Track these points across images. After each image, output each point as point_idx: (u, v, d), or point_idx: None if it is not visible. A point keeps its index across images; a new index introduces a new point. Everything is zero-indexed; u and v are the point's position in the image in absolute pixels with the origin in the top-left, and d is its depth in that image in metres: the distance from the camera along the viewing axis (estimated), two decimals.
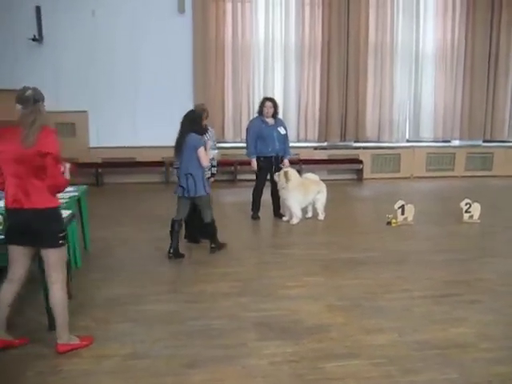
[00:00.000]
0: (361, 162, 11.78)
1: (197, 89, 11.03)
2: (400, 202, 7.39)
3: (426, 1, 11.93)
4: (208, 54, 11.09)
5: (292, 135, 10.76)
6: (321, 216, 7.64)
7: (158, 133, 10.41)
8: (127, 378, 3.29)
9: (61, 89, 10.39)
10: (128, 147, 10.89)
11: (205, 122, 6.20)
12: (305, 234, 6.95)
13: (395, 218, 7.32)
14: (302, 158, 11.17)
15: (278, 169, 7.41)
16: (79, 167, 10.01)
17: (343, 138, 11.97)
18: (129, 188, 10.53)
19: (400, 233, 6.97)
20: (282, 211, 7.70)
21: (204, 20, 10.97)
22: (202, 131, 5.91)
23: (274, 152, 7.45)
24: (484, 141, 12.61)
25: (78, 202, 5.71)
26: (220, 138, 10.77)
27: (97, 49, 10.65)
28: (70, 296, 4.01)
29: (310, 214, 7.74)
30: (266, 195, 7.71)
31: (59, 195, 4.62)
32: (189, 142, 5.59)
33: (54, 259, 3.46)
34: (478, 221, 7.47)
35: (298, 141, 11.71)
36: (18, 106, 3.35)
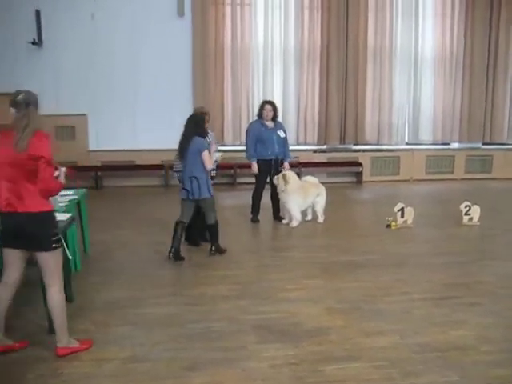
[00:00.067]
0: (360, 164, 11.79)
1: (196, 92, 11.05)
2: (399, 205, 7.40)
3: (424, 4, 11.98)
4: (207, 57, 11.12)
5: (291, 138, 10.77)
6: (320, 219, 7.65)
7: (157, 136, 10.45)
8: (127, 381, 3.29)
9: (60, 92, 10.43)
10: (127, 150, 10.90)
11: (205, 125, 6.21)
12: (304, 237, 6.96)
13: (395, 220, 7.33)
14: (301, 160, 11.18)
15: (278, 172, 7.41)
16: (78, 170, 10.05)
17: (343, 140, 11.98)
18: (128, 191, 10.53)
19: (399, 235, 6.98)
20: (281, 214, 7.70)
21: (203, 23, 10.99)
22: (205, 134, 5.93)
23: (273, 155, 7.46)
24: (483, 143, 12.63)
25: (77, 205, 5.71)
26: (219, 141, 10.77)
27: (96, 52, 10.66)
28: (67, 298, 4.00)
29: (309, 217, 7.75)
30: (266, 198, 7.71)
31: (59, 198, 4.62)
32: (193, 146, 5.61)
33: (49, 263, 3.46)
34: (478, 223, 7.48)
35: (298, 144, 11.73)
36: (12, 110, 3.36)
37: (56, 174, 3.52)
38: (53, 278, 3.49)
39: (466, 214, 7.53)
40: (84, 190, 6.04)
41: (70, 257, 4.19)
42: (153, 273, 5.37)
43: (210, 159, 5.66)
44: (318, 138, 11.90)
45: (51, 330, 3.68)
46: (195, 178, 5.64)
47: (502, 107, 12.49)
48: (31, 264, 3.60)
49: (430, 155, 12.26)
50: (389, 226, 7.29)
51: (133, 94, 10.87)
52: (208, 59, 11.13)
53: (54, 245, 3.44)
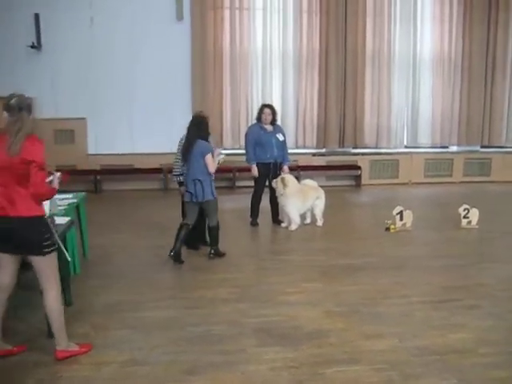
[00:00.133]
0: (359, 168, 11.81)
1: (195, 96, 11.06)
2: (398, 208, 7.41)
3: (422, 8, 12.02)
4: (206, 61, 11.13)
5: (290, 142, 10.80)
6: (319, 222, 7.65)
7: (156, 140, 10.47)
8: None
9: (59, 96, 10.44)
10: (126, 154, 10.90)
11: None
12: (303, 240, 6.96)
13: (394, 223, 7.33)
14: (300, 164, 11.19)
15: (277, 175, 7.41)
16: (77, 174, 10.07)
17: (341, 144, 11.99)
18: (127, 195, 10.52)
19: (398, 238, 6.98)
20: (280, 217, 7.70)
21: (202, 27, 11.01)
22: (208, 137, 5.94)
23: (272, 158, 7.47)
24: (482, 146, 12.64)
25: (76, 208, 5.71)
26: (219, 144, 10.78)
27: (95, 56, 10.67)
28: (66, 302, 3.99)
29: (308, 220, 7.75)
30: (265, 202, 7.72)
31: (59, 202, 4.62)
32: (197, 149, 5.64)
33: (43, 267, 3.45)
34: (477, 226, 7.49)
35: (297, 147, 11.74)
36: (5, 114, 3.37)
37: (49, 178, 3.52)
38: (49, 281, 3.49)
39: (464, 216, 7.53)
40: (83, 193, 6.04)
41: (69, 258, 4.18)
42: (152, 276, 5.37)
43: (213, 162, 5.70)
44: (317, 141, 11.92)
45: (50, 334, 3.68)
46: (199, 180, 5.67)
47: (501, 110, 12.52)
48: (29, 268, 3.60)
49: (429, 158, 12.29)
50: (388, 229, 7.30)
51: (132, 97, 10.87)
52: (207, 63, 11.15)
53: (46, 249, 3.43)
